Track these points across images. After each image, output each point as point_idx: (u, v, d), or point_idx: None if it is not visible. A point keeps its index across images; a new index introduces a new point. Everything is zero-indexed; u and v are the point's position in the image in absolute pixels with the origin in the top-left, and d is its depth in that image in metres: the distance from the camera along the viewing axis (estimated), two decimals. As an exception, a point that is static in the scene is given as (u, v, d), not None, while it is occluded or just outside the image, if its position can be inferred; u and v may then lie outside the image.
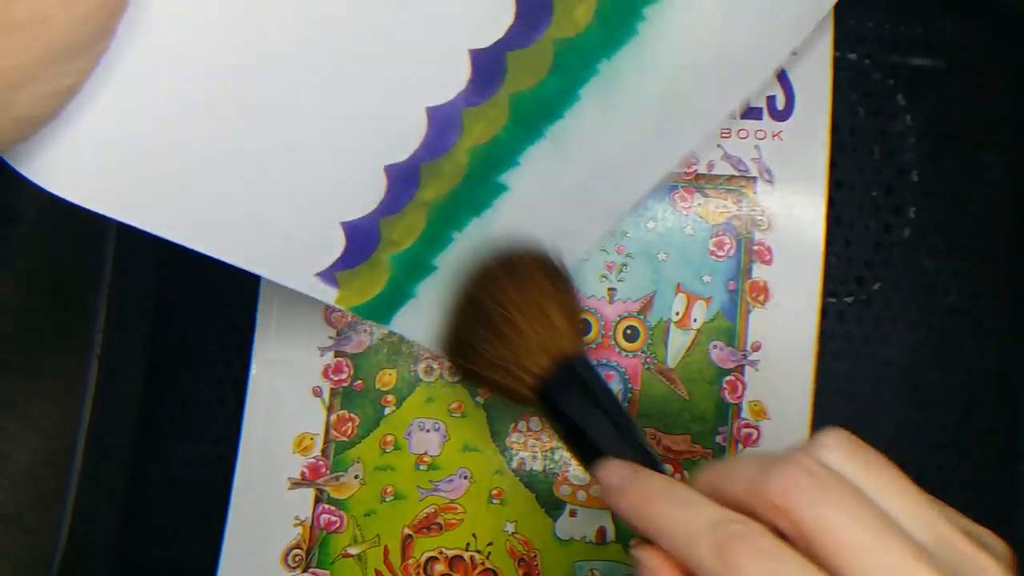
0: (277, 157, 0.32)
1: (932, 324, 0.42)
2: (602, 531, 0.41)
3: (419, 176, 0.35)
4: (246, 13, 0.29)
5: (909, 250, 0.43)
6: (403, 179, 0.35)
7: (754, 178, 0.41)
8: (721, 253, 0.41)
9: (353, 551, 0.41)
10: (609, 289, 0.41)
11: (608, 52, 0.35)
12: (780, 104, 0.41)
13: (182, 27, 0.28)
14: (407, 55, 0.32)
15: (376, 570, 0.41)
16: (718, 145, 0.41)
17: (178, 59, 0.28)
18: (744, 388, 0.41)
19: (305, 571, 0.40)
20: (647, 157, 0.39)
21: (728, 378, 0.41)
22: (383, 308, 0.37)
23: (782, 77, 0.41)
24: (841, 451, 0.25)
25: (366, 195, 0.34)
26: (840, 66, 0.42)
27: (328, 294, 0.35)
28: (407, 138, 0.34)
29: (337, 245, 0.35)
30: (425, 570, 0.41)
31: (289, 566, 0.40)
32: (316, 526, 0.41)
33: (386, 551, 0.41)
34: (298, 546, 0.41)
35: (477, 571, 0.41)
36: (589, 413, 0.32)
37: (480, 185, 0.37)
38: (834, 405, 0.42)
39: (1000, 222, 0.43)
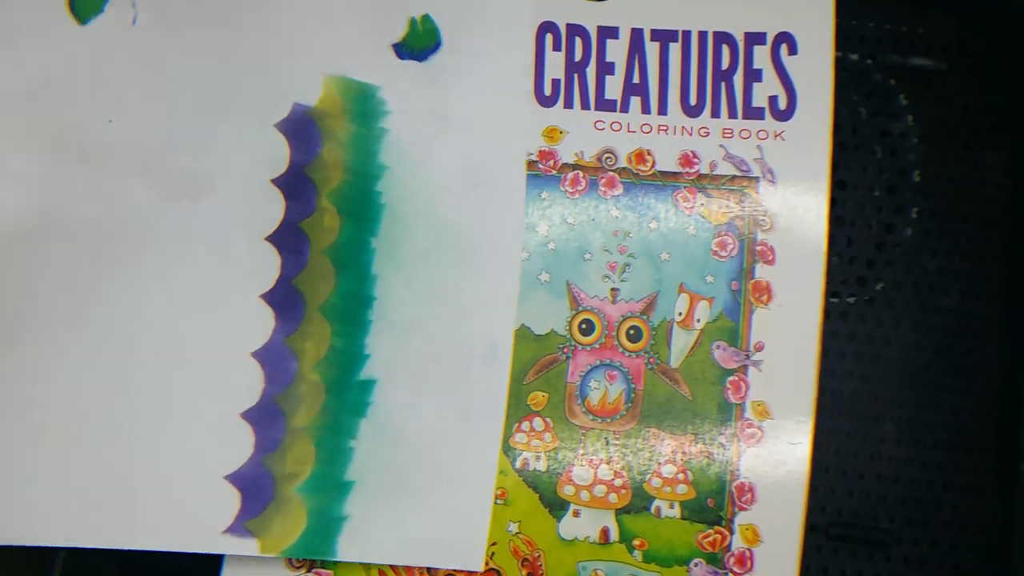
0: (129, 431, 0.37)
1: (934, 324, 0.42)
2: (605, 531, 0.41)
3: (280, 409, 0.38)
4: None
5: (911, 250, 0.43)
6: (266, 418, 0.38)
7: (756, 178, 0.41)
8: (724, 253, 0.41)
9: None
10: (612, 289, 0.42)
11: (371, 231, 0.40)
12: (782, 104, 0.41)
13: None
14: (210, 317, 0.38)
15: (380, 570, 0.41)
16: (720, 145, 0.41)
17: None
18: (747, 388, 0.41)
19: (309, 571, 0.40)
20: (477, 275, 0.40)
21: (731, 378, 0.41)
22: (319, 541, 0.38)
23: (784, 77, 0.41)
24: None
25: (236, 444, 0.38)
26: (842, 66, 0.42)
27: (247, 547, 0.38)
28: (249, 384, 0.38)
29: (232, 498, 0.38)
30: (428, 570, 0.41)
31: (293, 566, 0.40)
32: (320, 527, 0.41)
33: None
34: (302, 546, 0.40)
35: (481, 571, 0.41)
36: None
37: (346, 391, 0.39)
38: (837, 405, 0.42)
39: (1001, 222, 0.43)
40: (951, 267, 0.43)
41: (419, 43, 0.40)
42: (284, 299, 0.39)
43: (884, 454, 0.42)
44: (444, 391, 0.39)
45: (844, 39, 0.42)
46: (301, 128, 0.40)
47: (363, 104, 0.40)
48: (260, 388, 0.39)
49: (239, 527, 0.38)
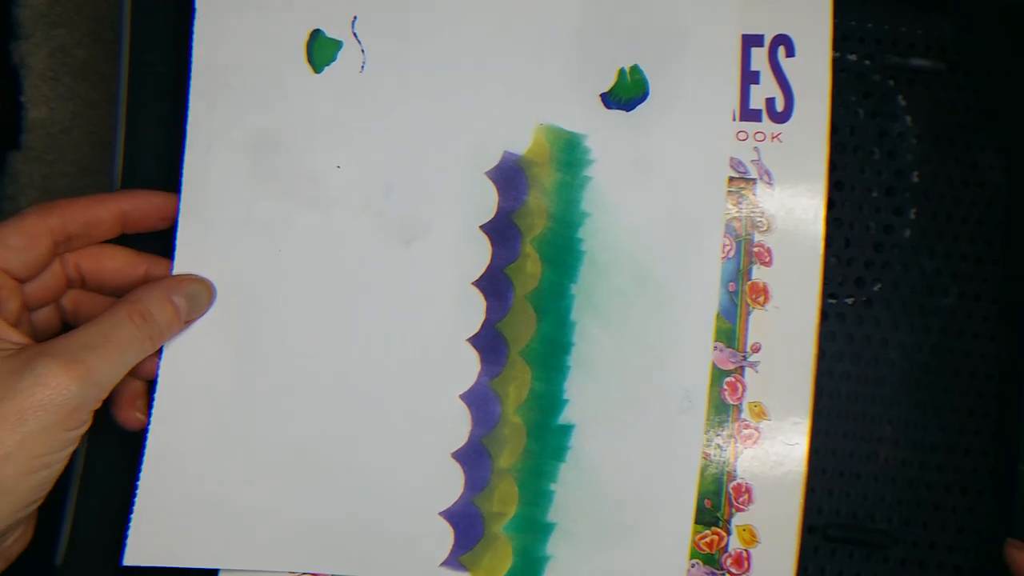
0: (353, 467, 0.40)
1: (932, 325, 0.42)
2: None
3: (486, 450, 0.40)
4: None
5: (909, 251, 0.43)
6: (473, 458, 0.40)
7: (754, 180, 0.41)
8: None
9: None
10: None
11: (571, 278, 0.40)
12: (779, 106, 0.41)
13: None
14: (422, 358, 0.40)
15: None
16: (718, 147, 0.41)
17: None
18: (744, 389, 0.41)
19: (307, 571, 0.40)
20: (673, 323, 0.40)
21: (728, 379, 0.41)
22: None
23: (781, 79, 0.41)
24: None
25: (449, 483, 0.40)
26: (840, 67, 0.42)
27: None
28: (457, 426, 0.40)
29: (446, 534, 0.40)
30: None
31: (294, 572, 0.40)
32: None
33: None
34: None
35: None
36: None
37: (546, 435, 0.40)
38: (834, 406, 0.42)
39: (1000, 223, 0.43)
40: (949, 268, 0.43)
41: (627, 93, 0.41)
42: (488, 343, 0.40)
43: (882, 455, 0.42)
44: (640, 439, 0.40)
45: (842, 39, 0.42)
46: (510, 176, 0.41)
47: (570, 153, 0.41)
48: (467, 430, 0.40)
49: (454, 561, 0.40)
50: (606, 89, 0.41)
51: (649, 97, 0.41)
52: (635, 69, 0.41)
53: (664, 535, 0.40)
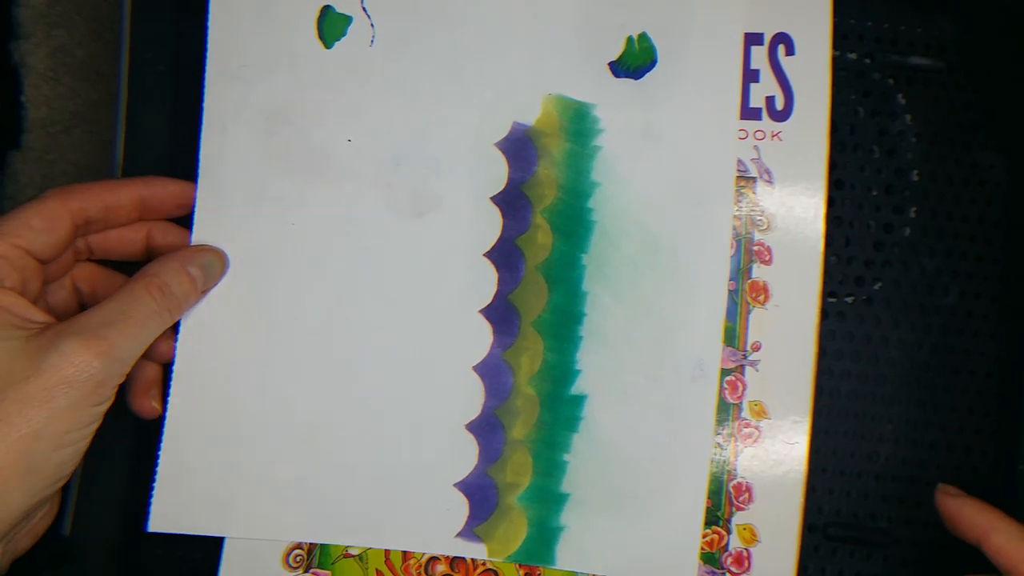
0: (370, 439, 0.40)
1: (932, 324, 0.42)
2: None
3: (499, 421, 0.40)
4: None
5: (909, 250, 0.43)
6: (487, 430, 0.40)
7: (753, 178, 0.41)
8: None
9: (354, 551, 0.41)
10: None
11: (582, 248, 0.41)
12: (779, 104, 0.41)
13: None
14: (436, 330, 0.41)
15: (377, 570, 0.41)
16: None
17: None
18: (744, 388, 0.41)
19: (306, 572, 0.41)
20: (685, 292, 0.41)
21: (728, 378, 0.41)
22: (540, 549, 0.40)
23: (781, 78, 0.41)
24: None
25: (463, 455, 0.40)
26: (839, 66, 0.42)
27: (477, 551, 0.40)
28: (471, 397, 0.41)
29: (461, 505, 0.40)
30: (426, 570, 0.41)
31: (290, 566, 0.40)
32: (318, 527, 0.42)
33: (387, 551, 0.41)
34: (299, 546, 0.41)
35: (478, 571, 0.41)
36: None
37: (559, 405, 0.41)
38: (834, 405, 0.42)
39: (1000, 221, 0.43)
40: (949, 267, 0.43)
41: (635, 61, 0.41)
42: (501, 314, 0.41)
43: (882, 454, 0.42)
44: (653, 409, 0.40)
45: (842, 38, 0.42)
46: (519, 147, 0.41)
47: (579, 122, 0.41)
48: (481, 401, 0.41)
49: (469, 532, 0.40)
50: (614, 58, 0.41)
51: (657, 65, 0.41)
52: (643, 37, 0.41)
53: (678, 504, 0.40)
